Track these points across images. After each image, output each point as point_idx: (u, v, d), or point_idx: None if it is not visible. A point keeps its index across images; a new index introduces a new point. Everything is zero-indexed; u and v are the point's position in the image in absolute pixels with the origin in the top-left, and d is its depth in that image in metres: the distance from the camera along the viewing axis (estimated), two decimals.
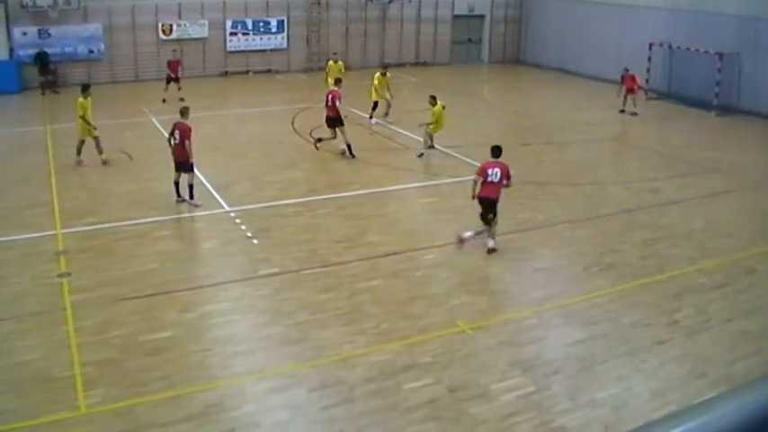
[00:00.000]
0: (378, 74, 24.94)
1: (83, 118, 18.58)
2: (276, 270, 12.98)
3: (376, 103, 24.72)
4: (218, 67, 33.73)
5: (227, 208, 16.09)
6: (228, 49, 33.79)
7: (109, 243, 14.13)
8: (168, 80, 27.27)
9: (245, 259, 13.51)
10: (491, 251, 14.06)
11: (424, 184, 18.47)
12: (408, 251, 14.02)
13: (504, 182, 13.95)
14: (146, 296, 11.83)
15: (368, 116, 24.64)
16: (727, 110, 27.96)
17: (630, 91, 27.15)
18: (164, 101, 26.46)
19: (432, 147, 20.81)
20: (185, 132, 15.97)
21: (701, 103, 28.50)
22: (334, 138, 20.57)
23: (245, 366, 9.91)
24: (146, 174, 18.46)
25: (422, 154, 20.72)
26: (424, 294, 12.23)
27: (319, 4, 35.04)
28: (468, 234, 13.87)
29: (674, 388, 9.74)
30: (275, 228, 15.10)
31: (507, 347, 10.60)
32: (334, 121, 20.29)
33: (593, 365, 10.23)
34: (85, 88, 19.02)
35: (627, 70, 27.72)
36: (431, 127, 20.41)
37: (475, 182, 14.00)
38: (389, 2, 36.48)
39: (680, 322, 11.59)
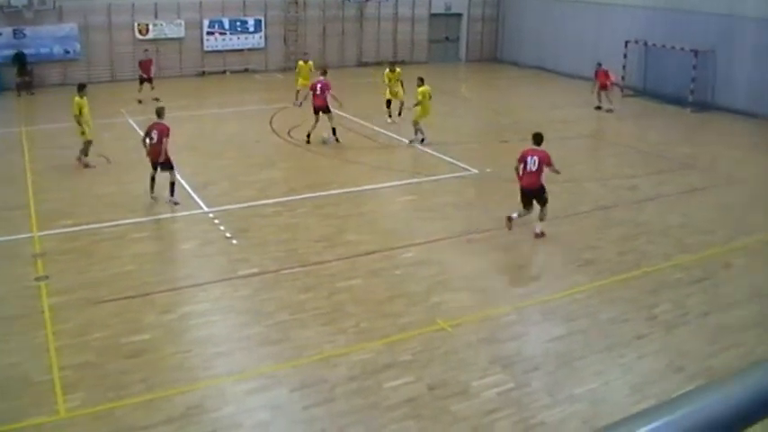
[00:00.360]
0: (386, 71, 24.95)
1: (77, 117, 18.47)
2: (255, 270, 12.96)
3: (389, 102, 24.60)
4: (195, 67, 33.58)
5: (205, 208, 16.04)
6: (205, 48, 33.65)
7: (87, 245, 14.04)
8: (141, 80, 27.09)
9: (223, 260, 13.48)
10: (538, 236, 14.58)
11: (403, 182, 18.50)
12: (387, 250, 14.04)
13: (545, 169, 14.42)
14: (125, 298, 11.77)
15: (386, 116, 24.69)
16: (702, 106, 28.21)
17: (603, 87, 27.37)
18: (139, 101, 26.33)
19: (423, 140, 21.47)
20: (163, 132, 16.03)
21: (676, 100, 28.73)
22: (316, 124, 21.28)
23: (226, 367, 9.88)
24: (124, 175, 18.35)
25: (412, 141, 21.64)
26: (403, 293, 12.26)
27: (296, 3, 34.99)
28: (514, 215, 14.58)
29: (653, 382, 9.83)
30: (254, 228, 15.07)
31: (487, 344, 10.64)
32: (322, 108, 21.11)
33: (572, 361, 10.29)
34: (81, 87, 18.88)
35: (600, 65, 27.95)
36: (417, 111, 21.28)
37: (516, 169, 14.63)
38: (367, 0, 36.48)
39: (658, 317, 11.69)
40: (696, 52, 27.82)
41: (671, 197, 17.86)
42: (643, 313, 11.78)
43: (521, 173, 14.46)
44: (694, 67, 27.89)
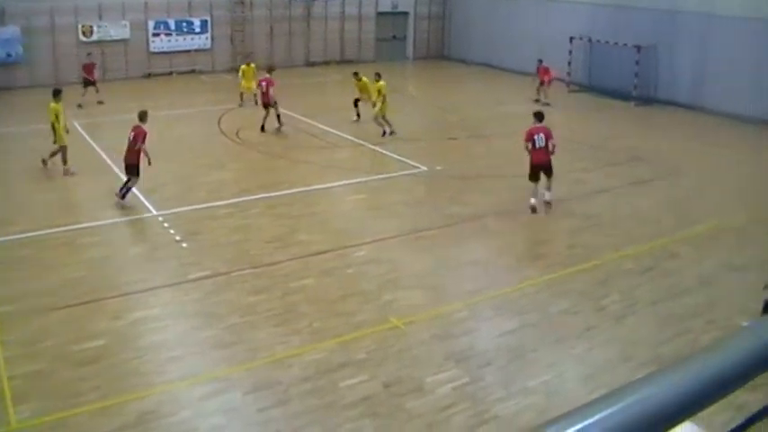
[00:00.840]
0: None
1: (53, 123, 18.10)
2: (207, 273, 12.87)
3: (357, 100, 24.57)
4: (141, 69, 33.13)
5: (154, 212, 15.87)
6: (151, 50, 33.22)
7: (34, 252, 13.79)
8: (86, 84, 26.61)
9: (174, 263, 13.36)
10: (548, 204, 16.22)
11: (354, 181, 18.51)
12: (339, 249, 14.06)
13: (550, 146, 16.01)
14: (75, 305, 11.60)
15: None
16: (646, 100, 28.74)
17: (543, 82, 27.95)
18: (79, 106, 25.69)
19: (393, 132, 22.47)
20: (139, 136, 16.07)
21: (620, 95, 29.18)
22: (267, 116, 22.83)
23: (179, 372, 9.81)
24: (70, 180, 18.05)
25: (384, 133, 22.49)
26: (356, 291, 12.29)
27: (243, 3, 34.75)
28: (533, 200, 16.06)
29: (604, 372, 10.00)
30: (205, 230, 14.96)
31: (440, 341, 10.72)
32: (269, 104, 22.89)
33: (525, 354, 10.43)
34: (56, 93, 18.49)
35: (541, 62, 28.43)
36: (378, 108, 22.15)
37: (526, 147, 16.20)
38: (314, 0, 36.39)
39: (607, 308, 11.90)
40: (639, 47, 28.32)
41: (619, 190, 18.16)
42: (593, 305, 11.98)
43: (530, 150, 16.07)
44: (637, 63, 28.40)
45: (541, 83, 28.13)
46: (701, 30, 27.28)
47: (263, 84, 22.97)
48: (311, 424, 8.73)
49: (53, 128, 18.20)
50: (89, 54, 28.22)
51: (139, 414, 8.80)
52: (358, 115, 24.59)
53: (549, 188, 16.24)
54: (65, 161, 18.33)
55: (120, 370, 9.81)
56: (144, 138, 16.05)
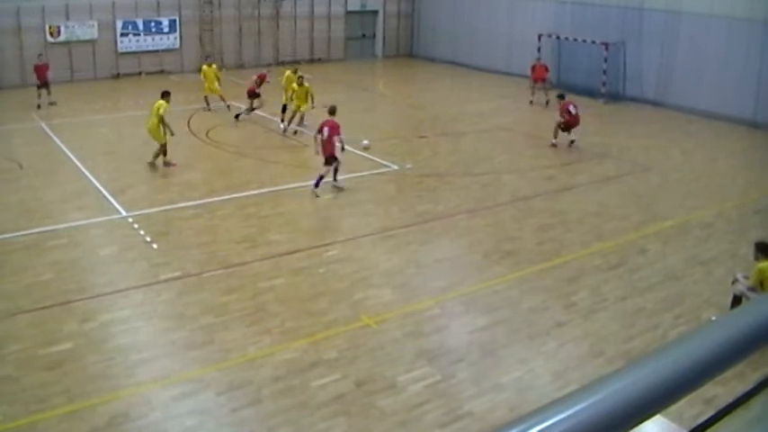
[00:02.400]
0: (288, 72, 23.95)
1: (156, 123, 18.42)
2: (177, 274, 12.79)
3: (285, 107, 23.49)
4: (110, 69, 32.77)
5: (123, 213, 15.72)
6: (119, 50, 32.86)
7: None
8: (39, 86, 25.80)
9: (144, 264, 13.25)
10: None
11: (324, 180, 18.42)
12: (310, 248, 14.03)
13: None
14: (42, 308, 11.46)
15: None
16: (614, 97, 28.98)
17: (543, 80, 27.85)
18: (39, 106, 25.33)
19: (301, 124, 22.70)
20: (333, 129, 16.96)
21: (589, 92, 29.36)
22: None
23: (150, 374, 9.73)
24: (37, 181, 17.81)
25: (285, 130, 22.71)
26: (327, 290, 12.28)
27: (211, 2, 34.51)
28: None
29: (574, 367, 10.09)
30: (174, 231, 14.86)
31: (412, 338, 10.74)
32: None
33: (496, 351, 10.48)
34: (166, 94, 18.83)
35: (539, 59, 28.42)
36: (294, 104, 22.33)
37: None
38: None
39: (577, 304, 11.99)
40: (607, 45, 28.55)
41: (586, 186, 18.31)
42: (563, 301, 12.07)
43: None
44: (605, 60, 28.61)
45: (541, 80, 27.94)
46: (668, 27, 27.58)
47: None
48: (284, 424, 8.71)
49: (156, 127, 18.47)
50: (40, 56, 27.36)
51: (110, 417, 8.72)
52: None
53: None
54: (165, 153, 18.76)
55: (90, 373, 9.71)
56: (338, 130, 17.02)
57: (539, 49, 31.06)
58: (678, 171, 19.94)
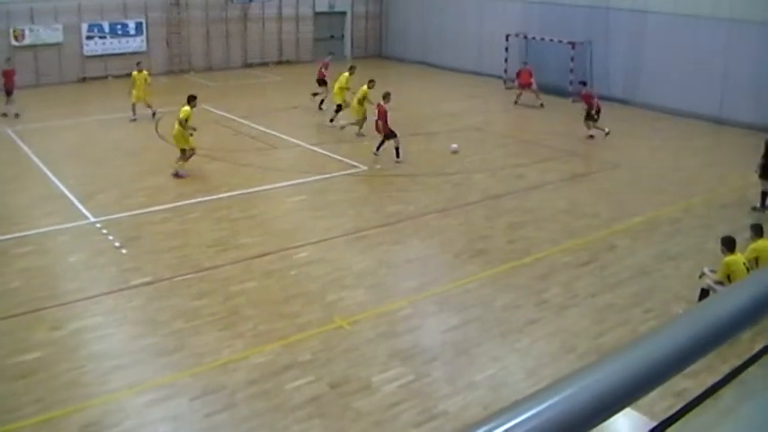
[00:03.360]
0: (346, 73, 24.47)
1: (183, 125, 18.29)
2: (148, 279, 12.69)
3: (339, 107, 23.89)
4: (76, 73, 32.40)
5: (92, 218, 15.57)
6: (85, 53, 32.50)
7: None
8: (8, 92, 25.04)
9: (114, 270, 13.13)
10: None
11: (294, 182, 18.41)
12: (281, 251, 14.00)
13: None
14: (11, 316, 11.31)
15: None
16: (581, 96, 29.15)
17: (529, 85, 27.90)
18: (4, 114, 24.79)
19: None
20: (381, 114, 19.89)
21: (557, 91, 29.56)
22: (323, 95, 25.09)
23: (123, 380, 9.65)
24: (3, 188, 17.53)
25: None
26: (299, 293, 12.25)
27: (178, 4, 34.28)
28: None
29: (547, 364, 10.16)
30: (144, 236, 14.75)
31: (385, 339, 10.76)
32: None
33: (470, 349, 10.53)
34: (192, 99, 18.74)
35: (525, 64, 28.54)
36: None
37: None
38: (250, 1, 36.12)
39: (548, 301, 12.08)
40: (574, 44, 28.78)
41: (556, 184, 18.44)
42: (535, 298, 12.15)
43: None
44: (572, 59, 28.85)
45: (522, 86, 28.01)
46: (634, 26, 27.86)
47: (320, 65, 24.10)
48: (259, 427, 8.68)
49: (180, 133, 18.39)
50: (8, 59, 26.73)
51: (83, 425, 8.63)
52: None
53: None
54: (185, 160, 18.65)
55: (62, 381, 9.60)
56: (385, 115, 19.82)
57: (506, 49, 31.22)
58: (646, 168, 20.15)
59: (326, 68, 26.31)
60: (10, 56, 27.84)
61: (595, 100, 23.17)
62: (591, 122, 22.98)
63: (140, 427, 8.70)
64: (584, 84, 24.71)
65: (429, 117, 26.19)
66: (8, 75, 25.44)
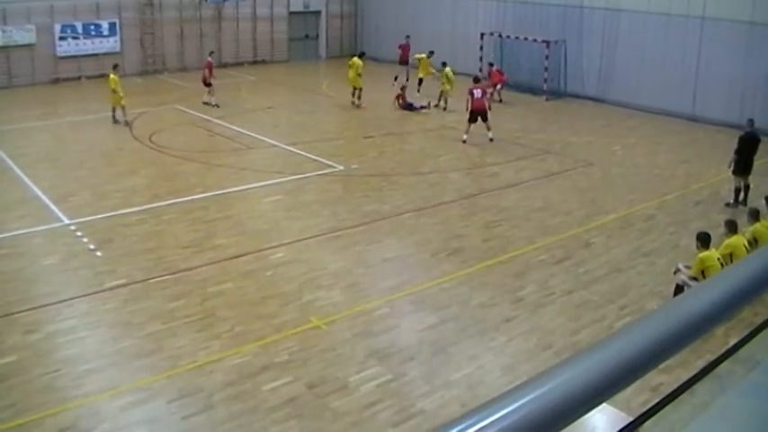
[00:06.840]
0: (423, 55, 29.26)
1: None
2: (123, 281, 12.59)
3: (421, 80, 29.00)
4: (49, 74, 32.07)
5: (66, 221, 15.43)
6: (58, 54, 32.18)
7: None
8: None
9: (88, 273, 13.01)
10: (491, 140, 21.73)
11: (270, 182, 18.35)
12: (257, 251, 13.95)
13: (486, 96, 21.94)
14: None
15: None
16: (555, 94, 29.40)
17: (502, 83, 28.20)
18: None
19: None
20: (483, 91, 22.22)
21: (531, 89, 29.75)
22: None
23: (98, 384, 9.56)
24: None
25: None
26: (276, 293, 12.22)
27: (152, 5, 34.05)
28: (465, 137, 21.95)
29: (523, 361, 10.21)
30: (119, 238, 14.62)
31: (362, 339, 10.75)
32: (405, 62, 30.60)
33: (446, 348, 10.54)
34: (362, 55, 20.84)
35: (492, 65, 28.75)
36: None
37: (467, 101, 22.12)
38: (224, 1, 35.95)
39: (524, 299, 12.13)
40: (548, 43, 28.91)
41: (531, 182, 18.52)
42: (510, 296, 12.20)
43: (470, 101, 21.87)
44: (547, 57, 28.99)
45: (494, 85, 28.26)
46: (608, 24, 28.07)
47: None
48: (237, 429, 8.65)
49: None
50: None
51: (58, 430, 8.55)
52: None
53: (489, 128, 21.90)
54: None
55: (36, 385, 9.50)
56: (484, 93, 22.42)
57: (481, 48, 31.32)
58: (620, 165, 20.29)
59: (405, 50, 30.15)
60: None
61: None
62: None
63: (117, 431, 8.63)
64: (491, 65, 28.90)
65: (403, 117, 26.22)
66: None
